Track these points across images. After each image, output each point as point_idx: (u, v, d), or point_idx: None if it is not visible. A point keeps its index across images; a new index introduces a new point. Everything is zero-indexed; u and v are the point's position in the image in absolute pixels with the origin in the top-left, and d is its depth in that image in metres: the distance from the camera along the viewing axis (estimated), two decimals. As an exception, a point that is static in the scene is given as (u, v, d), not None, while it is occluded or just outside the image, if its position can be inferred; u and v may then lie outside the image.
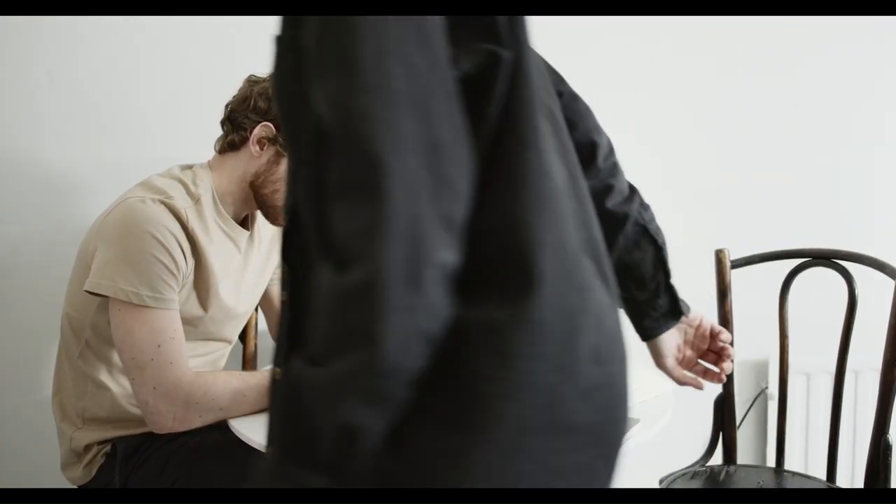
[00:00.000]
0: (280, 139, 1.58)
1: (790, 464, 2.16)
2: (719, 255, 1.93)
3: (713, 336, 1.25)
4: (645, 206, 1.12)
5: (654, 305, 1.12)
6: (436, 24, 0.71)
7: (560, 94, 1.06)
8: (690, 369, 1.28)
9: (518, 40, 0.78)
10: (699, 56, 2.17)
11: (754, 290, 2.02)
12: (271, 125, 1.57)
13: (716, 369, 1.27)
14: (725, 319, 1.92)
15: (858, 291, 1.81)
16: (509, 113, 0.76)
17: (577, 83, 2.10)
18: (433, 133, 0.67)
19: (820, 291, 1.99)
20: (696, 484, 1.82)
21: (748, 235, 2.12)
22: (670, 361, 1.22)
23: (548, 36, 2.07)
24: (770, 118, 2.22)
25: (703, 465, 1.90)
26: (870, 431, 1.75)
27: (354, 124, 0.66)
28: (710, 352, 1.27)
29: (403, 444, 0.72)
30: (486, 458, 0.72)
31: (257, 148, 1.59)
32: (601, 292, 0.80)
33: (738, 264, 1.94)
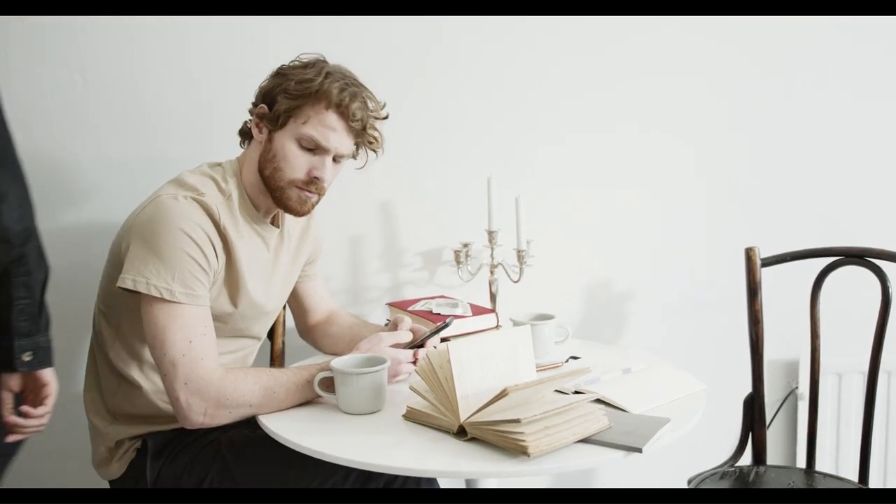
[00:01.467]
0: (268, 116, 1.56)
1: (821, 465, 2.14)
2: (749, 254, 1.91)
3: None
4: (16, 261, 1.22)
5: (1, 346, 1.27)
6: None
7: None
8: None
9: None
10: (733, 54, 2.15)
11: (785, 288, 2.00)
12: (264, 105, 1.57)
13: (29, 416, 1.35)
14: (756, 318, 1.90)
15: (892, 290, 1.79)
16: None
17: (613, 75, 2.11)
18: None
19: (852, 290, 1.96)
20: (725, 484, 1.80)
21: (779, 233, 2.10)
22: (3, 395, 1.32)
23: (592, 31, 2.08)
24: (802, 117, 2.20)
25: (733, 466, 1.89)
26: (903, 432, 1.73)
27: None
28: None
29: None
30: None
31: (258, 130, 1.60)
32: None
33: (768, 262, 1.92)
